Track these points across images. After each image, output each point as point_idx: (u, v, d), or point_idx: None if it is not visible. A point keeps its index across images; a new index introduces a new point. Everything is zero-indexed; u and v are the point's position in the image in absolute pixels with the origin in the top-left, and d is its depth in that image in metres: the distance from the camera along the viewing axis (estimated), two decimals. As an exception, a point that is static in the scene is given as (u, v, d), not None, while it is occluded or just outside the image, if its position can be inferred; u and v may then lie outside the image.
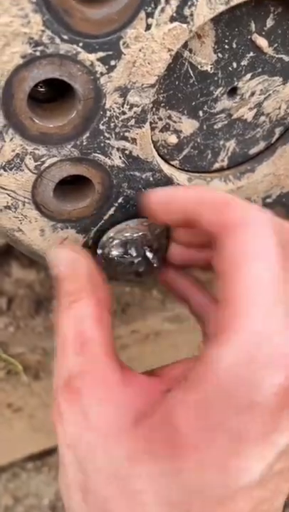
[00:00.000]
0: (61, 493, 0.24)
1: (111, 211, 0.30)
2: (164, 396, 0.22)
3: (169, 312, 0.55)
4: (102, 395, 0.23)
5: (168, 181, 0.30)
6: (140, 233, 0.30)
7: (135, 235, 0.30)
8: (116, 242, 0.30)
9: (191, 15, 0.23)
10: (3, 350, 0.49)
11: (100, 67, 0.23)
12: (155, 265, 0.32)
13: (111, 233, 0.30)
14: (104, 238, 0.30)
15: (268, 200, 0.34)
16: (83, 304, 0.25)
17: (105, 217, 0.30)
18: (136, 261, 0.31)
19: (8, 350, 0.50)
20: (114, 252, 0.31)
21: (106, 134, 0.26)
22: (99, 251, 0.31)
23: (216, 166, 0.32)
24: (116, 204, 0.30)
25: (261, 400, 0.20)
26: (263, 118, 0.31)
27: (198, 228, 0.24)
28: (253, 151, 0.33)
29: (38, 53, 0.22)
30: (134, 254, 0.31)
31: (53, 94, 0.26)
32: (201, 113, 0.29)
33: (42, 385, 0.54)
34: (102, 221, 0.30)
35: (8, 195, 0.27)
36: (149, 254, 0.31)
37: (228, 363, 0.20)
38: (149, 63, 0.24)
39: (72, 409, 0.23)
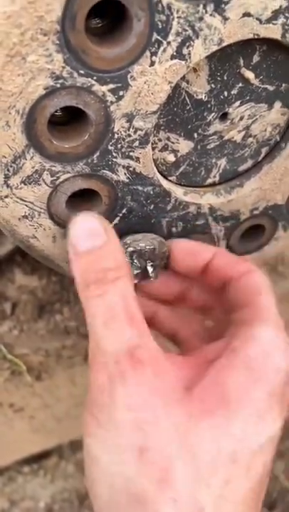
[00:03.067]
0: (104, 457, 0.25)
1: (115, 221, 0.34)
2: (208, 366, 0.27)
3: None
4: (160, 367, 0.26)
5: (166, 195, 0.34)
6: (151, 247, 0.34)
7: (147, 247, 0.34)
8: (127, 250, 0.33)
9: (189, 53, 0.27)
10: (8, 351, 0.52)
11: (110, 97, 0.27)
12: (152, 279, 0.35)
13: (128, 240, 0.33)
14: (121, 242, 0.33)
15: (255, 212, 0.38)
16: (125, 281, 0.27)
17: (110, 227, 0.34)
18: (135, 272, 0.35)
19: (12, 352, 0.53)
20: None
21: (114, 154, 0.30)
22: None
23: (209, 181, 0.36)
24: (120, 214, 0.33)
25: (284, 365, 0.27)
26: (250, 139, 0.35)
27: (209, 274, 0.34)
28: (241, 168, 0.36)
29: (58, 85, 0.26)
30: (138, 265, 0.34)
31: (68, 117, 0.29)
32: (195, 135, 0.33)
33: (44, 386, 0.57)
34: (108, 230, 0.34)
35: (26, 206, 0.30)
36: (150, 268, 0.34)
37: (266, 336, 0.28)
38: (152, 93, 0.28)
39: (138, 377, 0.25)
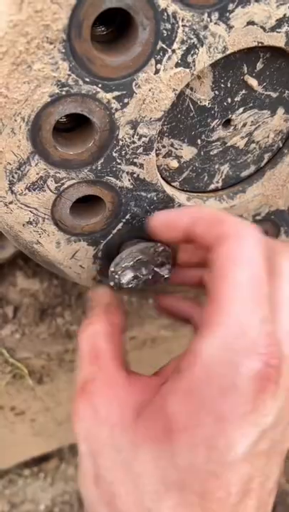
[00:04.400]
0: (79, 484, 0.28)
1: (119, 226, 0.34)
2: (159, 389, 0.26)
3: (165, 320, 0.58)
4: (109, 395, 0.27)
5: (170, 200, 0.34)
6: (146, 256, 0.34)
7: (143, 257, 0.33)
8: (125, 269, 0.33)
9: (193, 61, 0.27)
10: (10, 355, 0.52)
11: (115, 104, 0.27)
12: (166, 276, 0.34)
13: (118, 260, 0.33)
14: (112, 268, 0.33)
15: (258, 218, 0.38)
16: (96, 324, 0.30)
17: (114, 232, 0.34)
18: (145, 278, 0.34)
19: (14, 355, 0.53)
20: (125, 279, 0.33)
21: (118, 160, 0.30)
22: (110, 283, 0.33)
23: (212, 186, 0.36)
24: (124, 220, 0.33)
25: (239, 383, 0.23)
26: (253, 145, 0.35)
27: (195, 243, 0.28)
28: (244, 174, 0.37)
29: (63, 93, 0.26)
30: (145, 272, 0.34)
31: (72, 124, 0.30)
32: (199, 141, 0.33)
33: (45, 390, 0.57)
34: (111, 235, 0.34)
35: (31, 211, 0.30)
36: (157, 269, 0.34)
37: (212, 351, 0.23)
38: (156, 101, 0.28)
39: (85, 408, 0.27)
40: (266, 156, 0.36)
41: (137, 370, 0.30)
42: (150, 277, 0.34)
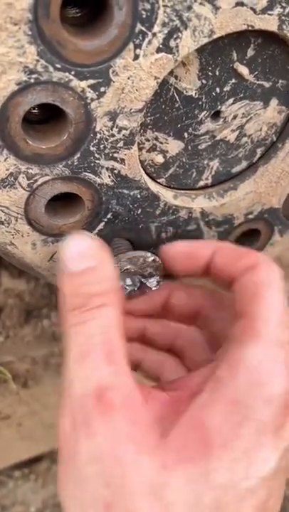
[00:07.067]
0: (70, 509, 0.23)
1: (100, 226, 0.31)
2: (188, 403, 0.24)
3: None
4: (131, 411, 0.23)
5: (155, 198, 0.32)
6: (134, 266, 0.31)
7: (130, 268, 0.31)
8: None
9: (177, 46, 0.25)
10: (-7, 358, 0.50)
11: (90, 94, 0.25)
12: (154, 288, 0.32)
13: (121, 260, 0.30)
14: None
15: (250, 217, 0.36)
16: (111, 310, 0.24)
17: (94, 232, 0.31)
18: (130, 289, 0.32)
19: (-3, 359, 0.51)
20: None
21: (96, 155, 0.27)
22: None
23: (201, 183, 0.34)
24: (105, 220, 0.31)
25: (278, 393, 0.23)
26: (245, 139, 0.33)
27: (213, 275, 0.29)
28: (235, 170, 0.34)
29: (32, 80, 0.23)
30: (129, 283, 0.32)
31: (46, 115, 0.27)
32: (186, 134, 0.31)
33: (30, 393, 0.55)
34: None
35: (2, 211, 0.28)
36: (145, 280, 0.32)
37: (255, 359, 0.23)
38: (136, 90, 0.25)
39: (105, 422, 0.22)
40: (259, 151, 0.34)
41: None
42: (136, 289, 0.31)
